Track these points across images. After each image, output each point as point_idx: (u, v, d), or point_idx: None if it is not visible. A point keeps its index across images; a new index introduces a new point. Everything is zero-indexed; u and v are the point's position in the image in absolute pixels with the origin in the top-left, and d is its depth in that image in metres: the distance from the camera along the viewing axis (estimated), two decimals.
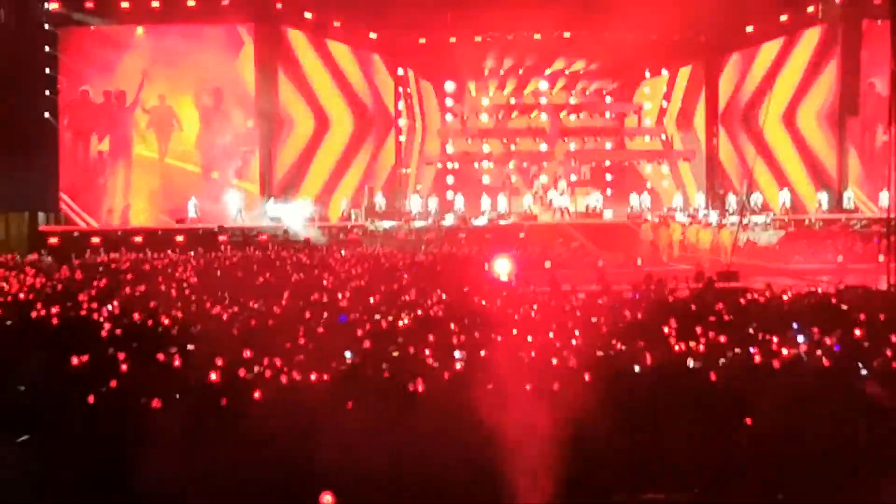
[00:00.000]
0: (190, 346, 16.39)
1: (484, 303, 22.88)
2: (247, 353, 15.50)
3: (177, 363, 15.28)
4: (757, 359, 15.21)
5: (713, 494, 11.96)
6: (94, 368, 14.91)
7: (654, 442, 12.62)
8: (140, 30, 43.84)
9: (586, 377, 14.00)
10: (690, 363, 15.23)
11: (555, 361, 15.10)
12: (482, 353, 15.74)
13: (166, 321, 19.78)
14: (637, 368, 14.85)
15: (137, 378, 14.15)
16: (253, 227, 41.16)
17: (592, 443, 12.26)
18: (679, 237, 40.26)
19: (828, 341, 16.27)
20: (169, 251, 36.20)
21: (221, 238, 39.33)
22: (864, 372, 14.47)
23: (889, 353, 15.15)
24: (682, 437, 12.82)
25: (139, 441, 11.53)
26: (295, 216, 41.74)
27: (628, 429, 12.62)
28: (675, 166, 50.57)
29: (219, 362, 14.78)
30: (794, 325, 17.63)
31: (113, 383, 13.79)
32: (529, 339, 17.08)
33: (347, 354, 15.92)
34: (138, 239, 39.26)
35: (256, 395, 13.40)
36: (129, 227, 42.01)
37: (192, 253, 35.59)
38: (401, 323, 19.53)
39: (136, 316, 20.57)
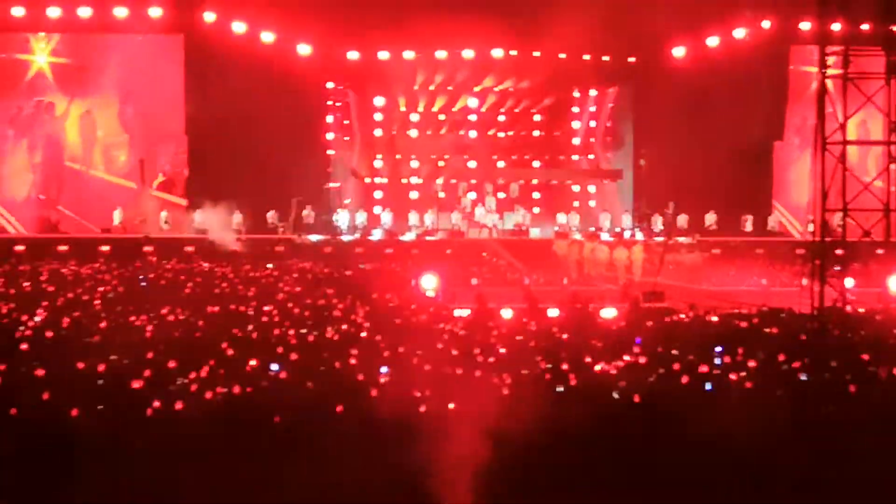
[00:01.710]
0: (112, 357, 16.20)
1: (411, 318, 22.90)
2: (171, 364, 15.39)
3: (99, 373, 15.12)
4: (682, 379, 15.34)
5: None
6: (15, 379, 14.72)
7: (577, 458, 12.77)
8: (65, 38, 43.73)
9: (504, 391, 14.13)
10: (615, 383, 15.30)
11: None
12: (408, 368, 15.74)
13: (89, 332, 19.59)
14: (561, 388, 14.91)
15: (59, 389, 13.97)
16: (179, 238, 40.89)
17: (512, 460, 12.37)
18: (589, 254, 40.17)
19: (750, 363, 16.39)
20: (94, 261, 35.86)
21: (147, 248, 39.02)
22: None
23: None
24: (603, 455, 12.98)
25: (62, 452, 11.45)
26: (221, 227, 41.49)
27: (550, 445, 12.73)
28: (603, 186, 50.72)
29: (142, 373, 14.68)
30: (719, 347, 17.73)
31: (45, 396, 13.58)
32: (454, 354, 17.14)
33: (273, 367, 15.83)
34: (63, 248, 38.88)
35: (178, 406, 13.33)
36: (54, 236, 41.63)
37: (117, 263, 35.26)
38: (327, 337, 19.48)
39: (59, 326, 20.36)
